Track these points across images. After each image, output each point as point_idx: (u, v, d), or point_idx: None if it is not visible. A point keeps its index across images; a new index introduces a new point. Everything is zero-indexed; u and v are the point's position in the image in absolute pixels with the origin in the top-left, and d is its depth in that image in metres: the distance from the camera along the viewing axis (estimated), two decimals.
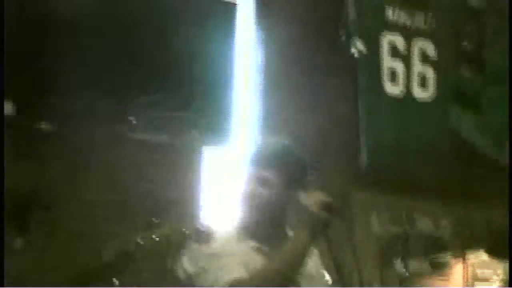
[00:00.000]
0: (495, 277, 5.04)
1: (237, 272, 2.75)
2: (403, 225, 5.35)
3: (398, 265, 5.04)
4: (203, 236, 2.76)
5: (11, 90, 4.33)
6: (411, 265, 5.08)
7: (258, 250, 2.89)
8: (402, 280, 4.97)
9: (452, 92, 5.57)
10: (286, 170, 2.91)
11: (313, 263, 3.00)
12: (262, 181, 2.90)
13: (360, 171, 5.22)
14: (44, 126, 4.55)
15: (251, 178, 2.91)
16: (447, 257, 5.10)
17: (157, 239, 3.01)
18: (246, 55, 5.19)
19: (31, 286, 3.73)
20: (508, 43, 5.30)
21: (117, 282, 3.29)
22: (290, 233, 2.93)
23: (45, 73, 4.56)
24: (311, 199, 2.83)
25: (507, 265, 4.79)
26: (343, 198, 3.86)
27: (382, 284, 4.93)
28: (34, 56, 4.54)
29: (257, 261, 2.84)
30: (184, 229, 2.84)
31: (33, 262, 4.18)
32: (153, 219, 3.12)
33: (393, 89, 5.34)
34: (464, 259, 5.01)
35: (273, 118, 5.17)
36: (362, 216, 5.28)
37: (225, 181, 4.93)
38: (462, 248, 5.04)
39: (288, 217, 2.95)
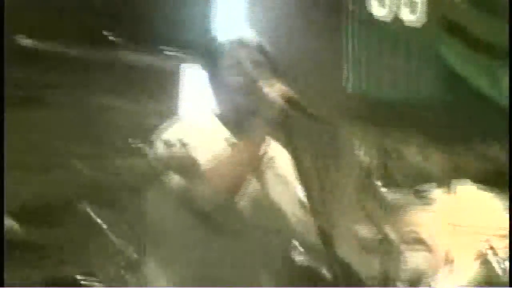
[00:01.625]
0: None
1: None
2: (389, 154, 5.13)
3: (381, 192, 4.79)
4: None
5: None
6: (395, 195, 4.85)
7: (228, 140, 2.82)
8: (384, 208, 4.73)
9: (442, 19, 5.31)
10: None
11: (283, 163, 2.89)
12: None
13: (344, 98, 5.04)
14: None
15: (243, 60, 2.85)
16: (433, 187, 4.83)
17: None
18: None
19: None
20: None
21: None
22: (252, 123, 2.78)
23: None
24: (272, 88, 2.74)
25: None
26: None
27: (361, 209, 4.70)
28: None
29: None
30: None
31: None
32: None
33: (379, 11, 5.12)
34: (449, 189, 4.75)
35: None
36: (345, 143, 5.07)
37: None
38: (448, 178, 4.79)
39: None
